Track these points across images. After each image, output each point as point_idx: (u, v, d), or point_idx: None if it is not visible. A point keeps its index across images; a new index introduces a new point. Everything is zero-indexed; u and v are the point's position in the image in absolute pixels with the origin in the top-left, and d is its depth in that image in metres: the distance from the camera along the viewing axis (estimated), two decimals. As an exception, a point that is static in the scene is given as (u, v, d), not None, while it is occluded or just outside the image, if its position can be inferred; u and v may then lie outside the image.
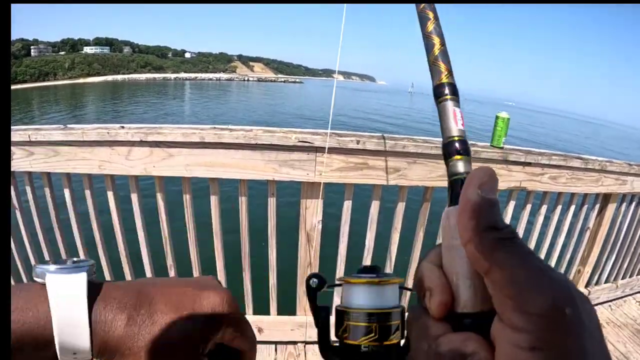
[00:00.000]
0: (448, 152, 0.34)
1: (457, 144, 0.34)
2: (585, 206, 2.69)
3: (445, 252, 0.30)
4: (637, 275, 3.35)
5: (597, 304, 3.11)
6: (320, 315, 0.44)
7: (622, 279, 3.24)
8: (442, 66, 0.37)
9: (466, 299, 0.28)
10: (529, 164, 2.20)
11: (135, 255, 2.21)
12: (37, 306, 0.35)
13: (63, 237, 2.18)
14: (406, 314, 0.35)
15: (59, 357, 0.35)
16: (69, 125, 1.90)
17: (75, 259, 0.40)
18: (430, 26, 0.39)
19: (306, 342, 2.39)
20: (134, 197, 2.02)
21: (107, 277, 2.26)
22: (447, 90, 0.36)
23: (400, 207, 2.11)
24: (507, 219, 2.34)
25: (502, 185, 2.19)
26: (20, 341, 0.34)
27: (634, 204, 2.91)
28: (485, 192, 0.26)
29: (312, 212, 2.03)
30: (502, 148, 2.15)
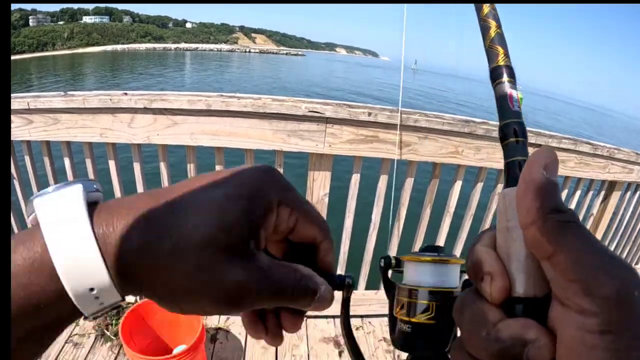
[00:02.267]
0: (505, 134, 0.34)
1: (514, 126, 0.33)
2: (591, 192, 2.67)
3: (500, 235, 0.29)
4: (635, 264, 3.36)
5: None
6: (390, 290, 0.42)
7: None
8: (500, 49, 0.37)
9: (521, 284, 0.27)
10: (539, 146, 2.16)
11: None
12: (30, 237, 0.27)
13: None
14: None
15: (75, 302, 0.28)
16: (69, 92, 1.85)
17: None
18: (486, 9, 0.39)
19: (307, 316, 2.39)
20: (136, 166, 1.99)
21: None
22: (504, 73, 0.36)
23: (409, 183, 2.09)
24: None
25: (513, 165, 2.15)
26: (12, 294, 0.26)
27: (638, 193, 2.89)
28: (550, 174, 0.26)
29: (320, 185, 2.00)
30: (514, 128, 2.11)
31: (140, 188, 2.05)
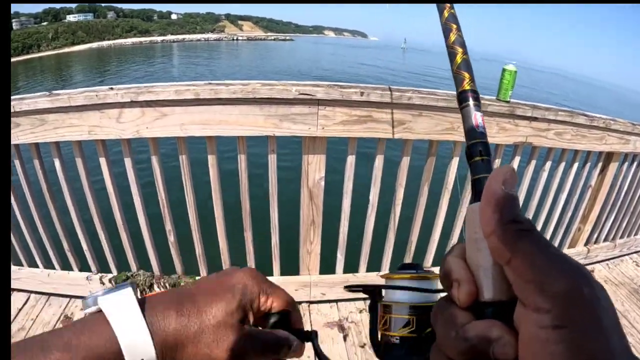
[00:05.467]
0: (471, 153, 0.37)
1: (479, 146, 0.36)
2: (588, 164, 2.66)
3: (468, 246, 0.32)
4: (634, 235, 3.38)
5: (595, 262, 3.15)
6: (373, 310, 0.49)
7: (620, 238, 3.26)
8: (465, 74, 0.40)
9: (488, 289, 0.30)
10: (535, 119, 2.15)
11: (133, 221, 2.16)
12: (98, 327, 0.38)
13: (57, 210, 2.13)
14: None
15: None
16: (54, 92, 1.81)
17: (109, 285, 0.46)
18: (453, 37, 0.42)
19: (310, 302, 2.39)
20: (128, 162, 1.96)
21: (106, 247, 2.24)
22: (470, 97, 0.39)
23: (405, 162, 2.06)
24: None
25: (509, 139, 2.14)
26: None
27: (635, 163, 2.89)
28: (508, 188, 0.28)
29: (315, 168, 1.98)
30: (508, 102, 2.08)
31: (133, 186, 2.02)
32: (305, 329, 0.50)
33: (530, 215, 2.61)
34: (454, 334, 0.29)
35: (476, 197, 0.33)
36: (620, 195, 2.98)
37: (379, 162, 2.03)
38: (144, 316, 0.40)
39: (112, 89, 1.75)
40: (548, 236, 2.82)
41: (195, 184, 2.02)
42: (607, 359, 0.23)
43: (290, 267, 2.37)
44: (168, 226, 2.14)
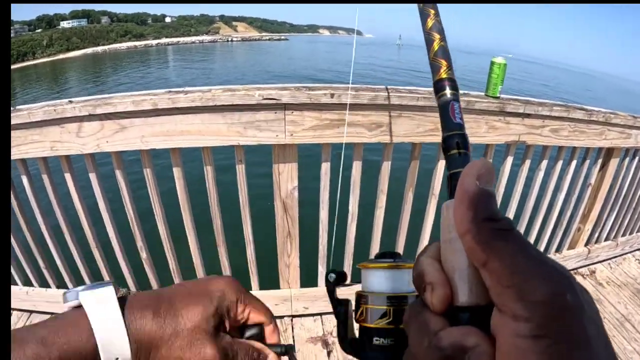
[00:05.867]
0: (447, 146, 0.35)
1: (456, 139, 0.35)
2: (588, 161, 2.49)
3: (443, 246, 0.30)
4: (637, 232, 3.23)
5: (596, 262, 2.99)
6: (339, 309, 0.47)
7: (622, 236, 3.11)
8: (442, 62, 0.39)
9: (464, 293, 0.28)
10: (528, 116, 1.98)
11: (104, 237, 2.06)
12: (77, 322, 0.39)
13: (29, 227, 2.04)
14: None
15: None
16: (17, 107, 1.71)
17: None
18: (430, 22, 0.41)
19: (293, 316, 2.28)
20: (92, 177, 1.86)
21: (80, 264, 2.18)
22: (447, 86, 0.38)
23: (386, 167, 1.90)
24: (505, 176, 2.18)
25: (500, 139, 1.97)
26: None
27: (637, 158, 2.73)
28: (483, 184, 0.27)
29: (287, 178, 1.82)
30: (498, 98, 1.91)
31: (100, 202, 1.91)
32: (282, 343, 0.49)
33: (526, 217, 2.46)
34: (426, 343, 0.27)
35: (452, 193, 0.31)
36: (622, 192, 2.82)
37: (356, 168, 1.86)
38: (123, 314, 0.40)
39: (70, 102, 1.65)
40: (546, 238, 2.68)
41: (168, 196, 1.93)
42: None
43: (270, 280, 2.24)
44: (139, 242, 2.04)
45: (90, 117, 1.64)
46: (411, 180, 1.94)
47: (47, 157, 1.78)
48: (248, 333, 0.48)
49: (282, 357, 0.49)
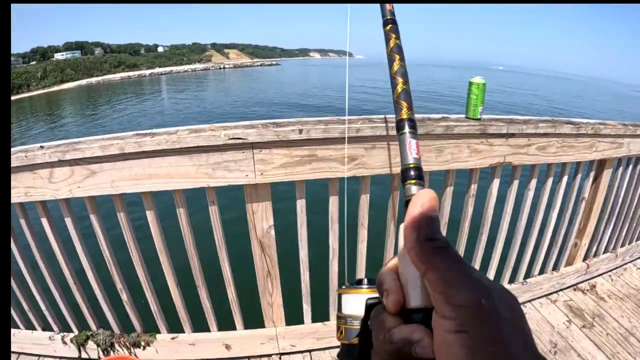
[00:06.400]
0: (404, 177, 0.42)
1: (412, 171, 0.42)
2: (579, 175, 2.40)
3: (399, 260, 0.36)
4: (636, 241, 3.14)
5: (596, 276, 2.90)
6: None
7: (621, 247, 3.02)
8: (404, 104, 0.47)
9: (414, 297, 0.33)
10: (512, 135, 1.90)
11: (85, 282, 2.02)
12: None
13: (12, 271, 1.97)
14: None
15: None
16: None
17: None
18: (396, 67, 0.50)
19: (281, 354, 2.19)
20: (68, 222, 1.82)
21: (63, 307, 2.13)
22: (406, 125, 0.45)
23: (365, 200, 1.82)
24: (493, 198, 2.11)
25: (484, 162, 1.89)
26: None
27: (630, 167, 2.64)
28: (426, 210, 0.33)
29: (261, 217, 1.74)
30: (479, 119, 1.83)
31: (77, 245, 1.87)
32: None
33: (518, 239, 2.36)
34: (382, 337, 0.33)
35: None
36: (617, 202, 2.74)
37: (333, 204, 1.78)
38: None
39: (42, 147, 1.62)
40: (541, 258, 2.59)
41: (146, 238, 1.87)
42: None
43: (255, 319, 2.15)
44: (119, 285, 1.98)
45: (61, 163, 1.60)
46: (392, 212, 1.85)
47: (23, 202, 1.74)
48: None
49: None
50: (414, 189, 0.40)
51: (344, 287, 0.59)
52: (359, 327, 0.45)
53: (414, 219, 0.33)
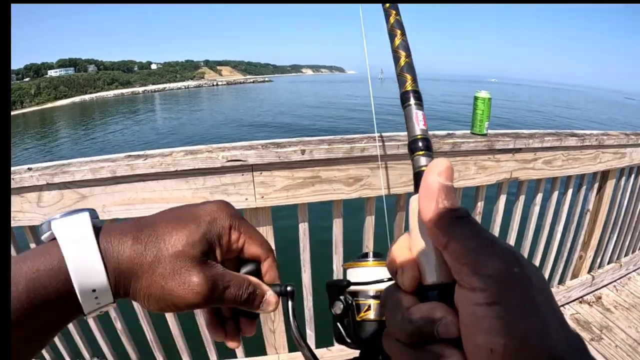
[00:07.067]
0: (412, 148, 0.40)
1: (420, 142, 0.40)
2: (584, 187, 2.36)
3: (411, 235, 0.33)
4: (639, 250, 3.09)
5: (601, 287, 2.84)
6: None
7: (625, 256, 2.98)
8: (407, 76, 0.44)
9: (430, 273, 0.31)
10: (519, 150, 1.85)
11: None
12: (48, 249, 0.35)
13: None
14: None
15: (80, 300, 0.35)
16: None
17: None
18: (397, 41, 0.47)
19: None
20: None
21: (56, 337, 1.91)
22: (411, 97, 0.43)
23: (370, 222, 1.74)
24: (499, 213, 2.05)
25: (491, 179, 1.83)
26: (34, 293, 0.33)
27: (633, 176, 2.61)
28: (443, 179, 0.30)
29: (263, 242, 1.65)
30: (485, 135, 1.78)
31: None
32: (281, 284, 0.46)
33: (525, 253, 2.30)
34: (400, 317, 0.30)
35: (417, 188, 0.33)
36: (620, 212, 2.71)
37: (337, 226, 1.71)
38: (98, 241, 0.36)
39: (30, 169, 1.53)
40: (547, 272, 2.53)
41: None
42: (542, 333, 0.24)
43: (257, 346, 2.06)
44: (112, 313, 1.87)
45: (49, 187, 1.51)
46: (398, 233, 1.78)
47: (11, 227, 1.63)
48: (244, 270, 0.44)
49: (280, 297, 0.44)
50: (423, 160, 0.39)
51: (350, 262, 0.58)
52: (368, 301, 0.47)
53: (431, 188, 0.30)
